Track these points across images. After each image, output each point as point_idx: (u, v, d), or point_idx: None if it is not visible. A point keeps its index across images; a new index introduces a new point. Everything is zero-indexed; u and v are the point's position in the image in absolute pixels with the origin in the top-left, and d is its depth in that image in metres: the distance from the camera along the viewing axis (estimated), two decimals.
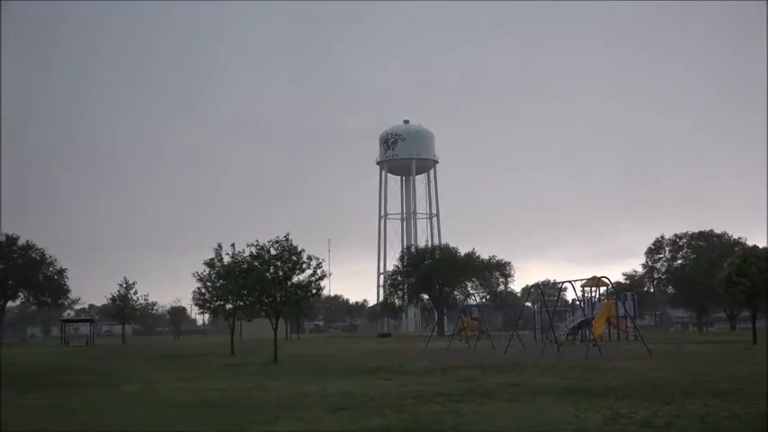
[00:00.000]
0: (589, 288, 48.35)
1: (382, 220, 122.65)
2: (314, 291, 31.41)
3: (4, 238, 75.13)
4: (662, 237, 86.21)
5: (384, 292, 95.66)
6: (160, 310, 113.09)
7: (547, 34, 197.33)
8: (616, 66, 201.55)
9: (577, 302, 50.41)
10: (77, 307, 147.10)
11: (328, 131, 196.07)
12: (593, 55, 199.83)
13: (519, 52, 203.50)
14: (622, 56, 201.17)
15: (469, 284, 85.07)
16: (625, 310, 45.12)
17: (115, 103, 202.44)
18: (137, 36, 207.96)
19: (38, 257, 76.45)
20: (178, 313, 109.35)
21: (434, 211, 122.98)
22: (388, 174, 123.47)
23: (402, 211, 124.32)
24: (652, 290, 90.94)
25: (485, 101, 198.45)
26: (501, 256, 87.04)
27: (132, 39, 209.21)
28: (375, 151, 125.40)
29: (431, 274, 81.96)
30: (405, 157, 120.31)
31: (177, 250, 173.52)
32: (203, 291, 40.18)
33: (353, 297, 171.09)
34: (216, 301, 40.55)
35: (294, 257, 30.40)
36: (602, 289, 48.13)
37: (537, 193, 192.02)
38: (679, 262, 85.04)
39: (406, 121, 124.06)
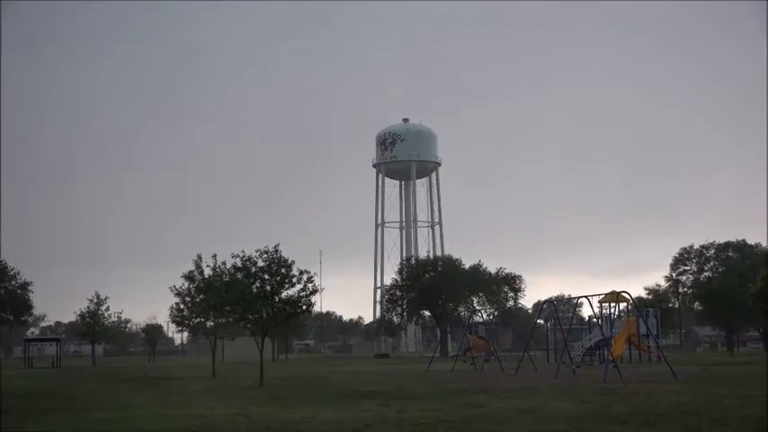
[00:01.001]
0: (607, 304, 48.31)
1: (379, 229, 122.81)
2: (304, 307, 31.42)
3: None
4: (690, 247, 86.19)
5: (381, 308, 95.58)
6: (134, 327, 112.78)
7: (559, 30, 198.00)
8: (633, 66, 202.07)
9: (595, 320, 50.36)
10: (43, 324, 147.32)
11: (319, 131, 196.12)
12: (607, 54, 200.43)
13: (529, 46, 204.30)
14: (636, 55, 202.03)
15: (475, 300, 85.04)
16: (647, 329, 45.11)
17: (87, 104, 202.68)
18: (110, 34, 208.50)
19: None
20: (154, 331, 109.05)
21: (437, 219, 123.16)
22: (386, 177, 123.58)
23: (401, 218, 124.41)
24: (677, 306, 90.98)
25: (492, 98, 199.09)
26: (510, 268, 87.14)
27: (106, 37, 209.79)
28: (371, 153, 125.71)
29: (433, 289, 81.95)
30: (404, 159, 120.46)
31: (153, 262, 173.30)
32: (182, 307, 40.24)
33: (347, 314, 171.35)
34: (195, 317, 40.60)
35: (283, 270, 30.42)
36: (622, 305, 48.07)
37: (550, 200, 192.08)
38: (706, 275, 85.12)
39: (406, 120, 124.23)
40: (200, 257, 38.09)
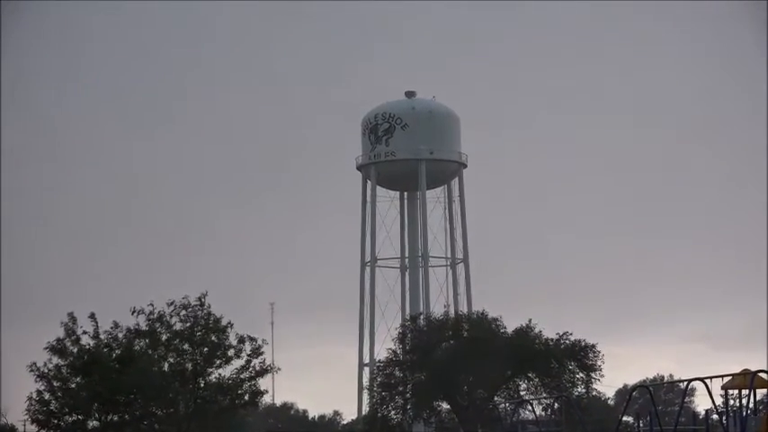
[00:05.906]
0: (737, 390, 48.44)
1: (367, 270, 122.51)
2: (246, 396, 31.48)
3: None
4: None
5: (371, 397, 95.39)
6: None
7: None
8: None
9: (716, 415, 50.55)
10: None
11: (272, 114, 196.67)
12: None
13: None
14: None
15: (523, 384, 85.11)
16: None
17: None
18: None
19: None
20: None
21: (459, 254, 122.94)
22: (378, 186, 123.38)
23: (402, 253, 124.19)
24: None
25: (551, 57, 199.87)
26: (579, 334, 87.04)
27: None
28: (354, 147, 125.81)
29: (454, 366, 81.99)
30: (407, 156, 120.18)
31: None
32: (47, 397, 40.13)
33: (316, 407, 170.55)
34: (69, 414, 40.51)
35: (213, 337, 30.49)
36: (761, 392, 48.09)
37: (640, 224, 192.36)
38: None
39: (411, 94, 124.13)
40: (73, 318, 38.02)
